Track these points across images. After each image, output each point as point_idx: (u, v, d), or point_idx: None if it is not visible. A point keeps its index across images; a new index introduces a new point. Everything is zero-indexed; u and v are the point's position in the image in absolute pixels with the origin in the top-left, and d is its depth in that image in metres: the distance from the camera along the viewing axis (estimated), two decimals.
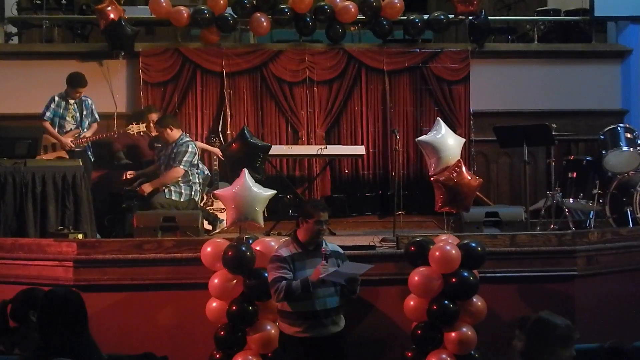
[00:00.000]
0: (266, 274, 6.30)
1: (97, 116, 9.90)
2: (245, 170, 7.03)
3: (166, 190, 8.93)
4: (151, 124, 9.80)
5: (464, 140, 8.09)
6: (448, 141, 7.91)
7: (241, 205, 6.82)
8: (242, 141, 8.79)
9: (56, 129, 9.53)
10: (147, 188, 9.03)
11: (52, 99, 9.61)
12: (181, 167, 8.96)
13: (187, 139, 9.21)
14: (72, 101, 9.64)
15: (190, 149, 9.05)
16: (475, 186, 8.02)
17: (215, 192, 8.32)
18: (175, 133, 9.10)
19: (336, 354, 6.18)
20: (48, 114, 9.56)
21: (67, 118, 9.64)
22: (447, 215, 8.30)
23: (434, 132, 8.02)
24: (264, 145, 8.97)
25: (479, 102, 11.18)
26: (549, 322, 4.52)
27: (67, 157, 9.40)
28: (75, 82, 9.63)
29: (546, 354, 4.41)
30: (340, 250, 6.44)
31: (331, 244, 6.34)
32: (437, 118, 8.17)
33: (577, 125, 11.17)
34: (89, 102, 9.82)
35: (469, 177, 7.89)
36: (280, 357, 6.42)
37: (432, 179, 7.86)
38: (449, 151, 7.87)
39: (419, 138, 8.15)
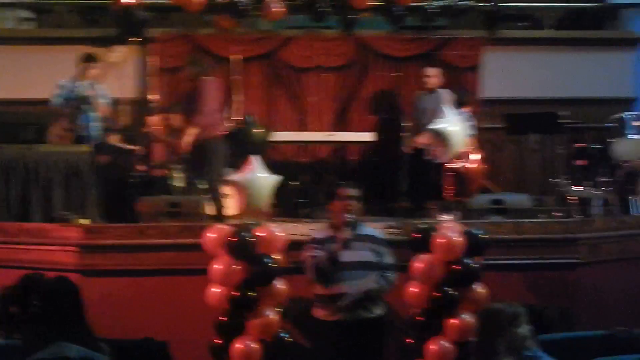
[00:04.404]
0: (266, 260, 6.35)
1: (106, 100, 9.70)
2: (255, 157, 7.01)
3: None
4: None
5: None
6: (457, 129, 7.88)
7: (255, 191, 6.80)
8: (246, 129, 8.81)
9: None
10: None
11: (60, 84, 9.50)
12: None
13: None
14: (79, 82, 9.49)
15: None
16: (483, 173, 8.02)
17: (229, 177, 8.30)
18: None
19: (366, 340, 6.40)
20: (57, 99, 9.47)
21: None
22: (452, 202, 8.29)
23: (442, 119, 7.98)
24: (267, 133, 8.99)
25: (490, 89, 11.13)
26: (491, 311, 4.65)
27: None
28: (85, 58, 9.57)
29: (499, 338, 4.42)
30: (377, 235, 6.61)
31: (369, 228, 6.58)
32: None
33: (588, 113, 11.07)
34: (100, 87, 9.69)
35: (480, 165, 7.89)
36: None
37: (446, 166, 7.84)
38: (458, 138, 7.84)
39: (428, 126, 8.13)
